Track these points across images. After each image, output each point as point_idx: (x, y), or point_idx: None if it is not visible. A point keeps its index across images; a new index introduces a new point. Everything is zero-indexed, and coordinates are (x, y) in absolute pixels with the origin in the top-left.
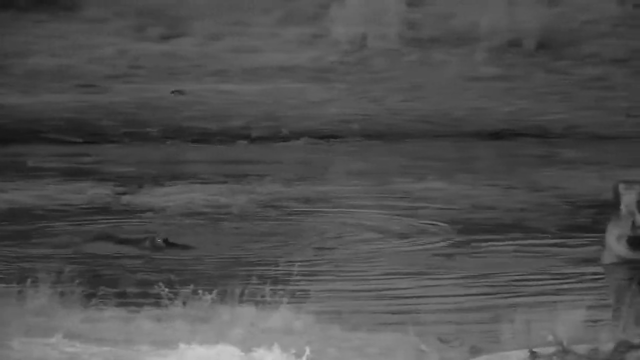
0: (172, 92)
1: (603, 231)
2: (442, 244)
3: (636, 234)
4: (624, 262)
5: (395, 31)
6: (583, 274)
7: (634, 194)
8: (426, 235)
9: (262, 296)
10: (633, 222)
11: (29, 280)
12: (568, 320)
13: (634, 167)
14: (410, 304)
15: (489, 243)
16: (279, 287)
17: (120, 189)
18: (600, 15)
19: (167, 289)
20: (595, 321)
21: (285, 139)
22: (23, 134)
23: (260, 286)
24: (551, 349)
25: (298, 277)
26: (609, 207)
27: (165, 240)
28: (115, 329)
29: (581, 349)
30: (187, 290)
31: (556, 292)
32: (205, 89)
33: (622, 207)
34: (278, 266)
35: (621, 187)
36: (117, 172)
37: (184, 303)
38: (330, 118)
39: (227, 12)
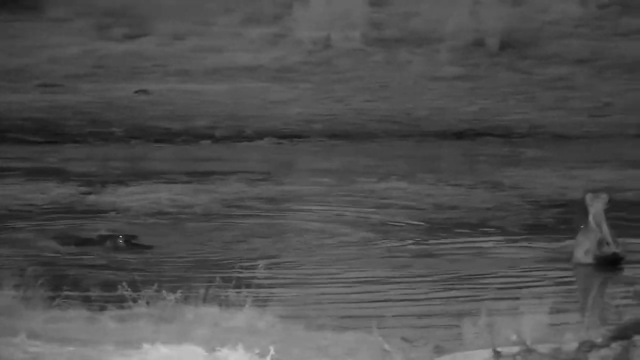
0: (136, 91)
1: (567, 231)
2: (406, 245)
3: (602, 252)
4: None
5: (360, 31)
6: (547, 274)
7: (600, 203)
8: (391, 236)
9: (226, 296)
10: (600, 238)
11: None
12: (532, 320)
13: (597, 167)
14: (374, 306)
15: (453, 240)
16: (243, 287)
17: (85, 189)
18: (563, 15)
19: (130, 289)
20: (559, 321)
21: (249, 138)
22: None
23: (224, 287)
24: (515, 349)
25: (262, 278)
26: (572, 207)
27: (127, 241)
28: (79, 329)
29: (545, 348)
30: (150, 290)
31: (520, 293)
32: (169, 88)
33: (590, 218)
34: (242, 266)
35: (588, 197)
36: (81, 172)
37: (148, 303)
38: (294, 118)
39: (191, 12)
